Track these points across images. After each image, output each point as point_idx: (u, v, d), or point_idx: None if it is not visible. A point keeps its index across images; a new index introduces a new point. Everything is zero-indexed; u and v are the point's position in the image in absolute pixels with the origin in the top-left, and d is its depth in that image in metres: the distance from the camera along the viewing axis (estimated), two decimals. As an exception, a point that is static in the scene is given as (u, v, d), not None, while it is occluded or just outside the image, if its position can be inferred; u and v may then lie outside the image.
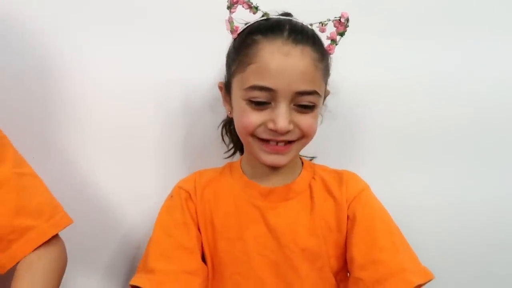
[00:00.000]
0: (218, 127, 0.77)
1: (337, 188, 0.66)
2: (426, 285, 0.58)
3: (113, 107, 0.78)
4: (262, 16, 0.62)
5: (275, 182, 0.66)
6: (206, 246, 0.65)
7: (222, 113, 0.75)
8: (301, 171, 0.68)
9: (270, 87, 0.57)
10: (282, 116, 0.57)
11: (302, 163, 0.70)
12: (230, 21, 0.63)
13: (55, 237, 0.62)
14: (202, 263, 0.65)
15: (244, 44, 0.60)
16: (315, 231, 0.64)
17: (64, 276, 0.62)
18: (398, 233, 0.63)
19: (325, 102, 0.68)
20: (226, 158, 0.77)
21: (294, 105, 0.58)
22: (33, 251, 0.58)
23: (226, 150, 0.78)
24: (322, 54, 0.60)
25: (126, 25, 0.77)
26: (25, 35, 0.74)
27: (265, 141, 0.60)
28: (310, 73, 0.57)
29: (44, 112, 0.76)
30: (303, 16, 0.63)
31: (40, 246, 0.59)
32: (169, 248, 0.62)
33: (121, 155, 0.78)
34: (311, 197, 0.66)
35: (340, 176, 0.67)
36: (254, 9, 0.62)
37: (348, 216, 0.64)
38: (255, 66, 0.57)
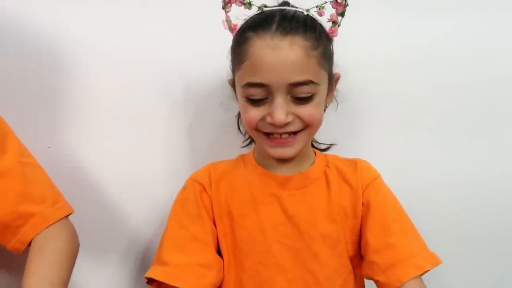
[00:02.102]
0: (236, 117, 0.78)
1: (352, 175, 0.67)
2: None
3: (118, 100, 0.79)
4: (258, 10, 0.61)
5: (290, 171, 0.66)
6: (223, 238, 0.66)
7: (228, 105, 0.77)
8: (314, 160, 0.69)
9: (263, 83, 0.57)
10: (278, 109, 0.57)
11: (315, 153, 0.70)
12: (227, 20, 0.63)
13: (63, 221, 0.64)
14: (217, 256, 0.66)
15: (238, 43, 0.61)
16: (333, 217, 0.65)
17: (77, 269, 0.64)
18: (408, 220, 0.66)
19: (336, 86, 0.67)
20: (243, 147, 0.78)
21: (291, 97, 0.58)
22: (42, 234, 0.61)
23: (234, 143, 0.79)
24: (316, 40, 0.58)
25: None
26: (35, 31, 0.76)
27: (269, 134, 0.61)
28: (301, 63, 0.56)
29: (50, 108, 0.78)
30: (304, 3, 0.61)
31: (48, 229, 0.61)
32: (183, 240, 0.63)
33: (129, 149, 0.80)
34: (327, 184, 0.66)
35: (354, 163, 0.68)
36: (248, 5, 0.62)
37: (362, 203, 0.65)
38: (248, 64, 0.58)
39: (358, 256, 0.67)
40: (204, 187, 0.67)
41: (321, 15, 0.61)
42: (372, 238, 0.63)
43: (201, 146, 0.82)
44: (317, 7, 0.60)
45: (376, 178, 0.68)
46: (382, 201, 0.66)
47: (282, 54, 0.56)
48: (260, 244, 0.64)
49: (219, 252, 0.67)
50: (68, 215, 0.66)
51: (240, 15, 0.63)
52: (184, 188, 0.70)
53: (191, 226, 0.65)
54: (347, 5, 0.60)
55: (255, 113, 0.59)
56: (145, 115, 0.80)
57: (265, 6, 0.62)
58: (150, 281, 0.62)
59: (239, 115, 0.77)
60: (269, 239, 0.64)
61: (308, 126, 0.60)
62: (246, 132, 0.78)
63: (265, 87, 0.57)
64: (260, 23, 0.58)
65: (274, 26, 0.57)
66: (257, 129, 0.61)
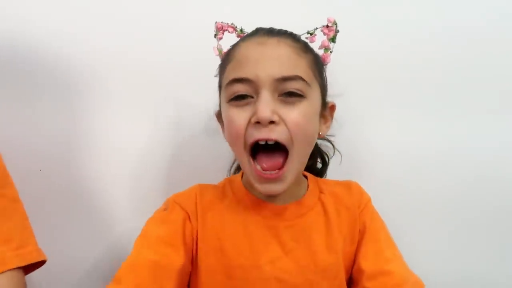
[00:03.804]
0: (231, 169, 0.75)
1: (349, 199, 0.64)
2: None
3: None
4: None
5: (284, 198, 0.60)
6: (211, 273, 0.58)
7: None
8: (307, 185, 0.64)
9: (248, 78, 0.53)
10: (262, 104, 0.51)
11: (306, 177, 0.66)
12: (219, 48, 0.63)
13: (18, 271, 0.54)
14: None
15: (225, 54, 0.60)
16: (333, 247, 0.60)
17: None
18: (394, 244, 0.64)
19: (332, 115, 0.64)
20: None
21: (279, 95, 0.53)
22: None
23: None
24: (305, 47, 0.57)
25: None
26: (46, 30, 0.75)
27: (258, 170, 0.55)
28: (290, 59, 0.53)
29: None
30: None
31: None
32: (144, 263, 0.54)
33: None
34: (325, 211, 0.62)
35: (348, 186, 0.66)
36: (240, 32, 0.62)
37: (359, 229, 0.63)
38: (233, 63, 0.55)
39: (349, 280, 0.63)
40: (189, 216, 0.60)
41: (312, 42, 0.61)
42: (366, 264, 0.60)
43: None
44: (308, 32, 0.61)
45: (369, 201, 0.67)
46: (375, 226, 0.64)
47: (268, 49, 0.54)
48: (257, 282, 0.57)
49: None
50: (36, 264, 0.56)
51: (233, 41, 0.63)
52: (165, 209, 0.61)
53: (159, 251, 0.56)
54: (338, 30, 0.61)
55: (240, 116, 0.54)
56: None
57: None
58: None
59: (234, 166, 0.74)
60: (267, 276, 0.57)
61: (294, 141, 0.54)
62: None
63: (249, 83, 0.53)
64: (248, 33, 0.59)
65: (261, 32, 0.57)
66: (244, 145, 0.55)
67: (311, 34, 0.61)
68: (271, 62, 0.53)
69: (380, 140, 0.83)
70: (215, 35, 0.63)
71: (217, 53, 0.63)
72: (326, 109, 0.62)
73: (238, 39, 0.61)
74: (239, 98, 0.54)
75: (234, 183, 0.65)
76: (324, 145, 0.74)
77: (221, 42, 0.63)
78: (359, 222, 0.63)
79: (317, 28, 0.61)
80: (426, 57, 0.83)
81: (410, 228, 0.80)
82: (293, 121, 0.53)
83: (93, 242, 0.78)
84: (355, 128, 0.81)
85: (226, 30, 0.63)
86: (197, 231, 0.59)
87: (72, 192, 0.76)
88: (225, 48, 0.62)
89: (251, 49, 0.54)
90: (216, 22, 0.63)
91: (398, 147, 0.83)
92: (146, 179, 0.79)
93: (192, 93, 0.79)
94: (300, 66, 0.54)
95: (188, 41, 0.78)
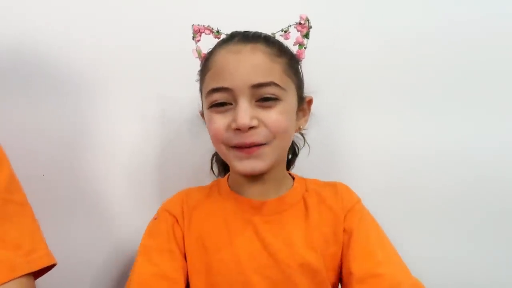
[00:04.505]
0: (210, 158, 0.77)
1: (333, 200, 0.64)
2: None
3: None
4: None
5: (265, 195, 0.64)
6: (196, 274, 0.62)
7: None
8: (292, 184, 0.67)
9: (225, 87, 0.56)
10: (241, 112, 0.55)
11: (293, 178, 0.68)
12: (198, 50, 0.65)
13: (28, 277, 0.54)
14: None
15: (204, 61, 0.62)
16: (312, 244, 0.61)
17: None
18: (390, 246, 0.62)
19: (310, 108, 0.67)
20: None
21: (256, 101, 0.57)
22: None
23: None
24: (279, 51, 0.59)
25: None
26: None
27: (237, 148, 0.59)
28: (264, 65, 0.56)
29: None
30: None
31: (9, 284, 0.51)
32: (152, 277, 0.60)
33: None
34: (306, 209, 0.63)
35: (334, 187, 0.66)
36: (216, 33, 0.64)
37: (344, 229, 0.62)
38: (211, 72, 0.58)
39: (337, 284, 0.63)
40: (176, 219, 0.65)
41: (287, 39, 0.63)
42: (356, 267, 0.59)
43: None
44: (282, 30, 0.63)
45: (357, 202, 0.66)
46: (364, 227, 0.62)
47: (243, 57, 0.56)
48: (237, 276, 0.60)
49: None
50: (47, 267, 0.57)
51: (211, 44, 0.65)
52: (155, 218, 0.66)
53: (161, 263, 0.61)
54: (311, 26, 0.62)
55: (220, 121, 0.58)
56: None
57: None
58: None
59: (213, 155, 0.76)
60: (247, 271, 0.60)
61: (275, 137, 0.58)
62: (218, 174, 0.77)
63: (227, 92, 0.57)
64: (224, 39, 0.61)
65: (236, 38, 0.59)
66: (224, 143, 0.59)
67: (285, 32, 0.63)
68: (246, 70, 0.56)
69: (378, 141, 0.85)
70: (193, 38, 0.65)
71: (197, 55, 0.65)
72: (304, 104, 0.64)
73: (216, 40, 0.64)
74: (219, 105, 0.58)
75: (220, 183, 0.69)
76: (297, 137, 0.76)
77: (200, 43, 0.65)
78: (345, 224, 0.62)
79: (290, 26, 0.63)
80: (426, 57, 0.85)
81: (407, 230, 0.80)
82: (272, 121, 0.57)
83: (97, 243, 0.80)
84: (351, 127, 0.84)
85: (203, 32, 0.64)
86: (183, 232, 0.64)
87: (74, 194, 0.79)
88: (204, 50, 0.64)
89: (227, 58, 0.57)
90: (193, 25, 0.64)
91: (398, 147, 0.85)
92: (146, 178, 0.82)
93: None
94: (274, 72, 0.57)
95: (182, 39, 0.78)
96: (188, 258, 0.63)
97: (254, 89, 0.56)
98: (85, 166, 0.79)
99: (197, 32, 0.64)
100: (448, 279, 0.84)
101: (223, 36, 0.63)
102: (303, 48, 0.64)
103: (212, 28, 0.64)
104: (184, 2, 0.81)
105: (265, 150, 0.58)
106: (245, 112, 0.55)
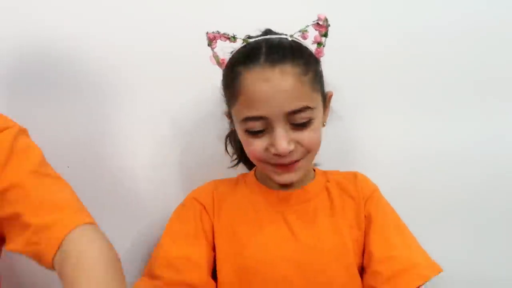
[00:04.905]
0: (225, 138, 0.78)
1: (353, 189, 0.69)
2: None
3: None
4: (242, 42, 0.62)
5: (291, 187, 0.68)
6: (225, 260, 0.66)
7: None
8: (314, 176, 0.71)
9: (261, 116, 0.58)
10: (280, 139, 0.58)
11: (314, 170, 0.72)
12: (215, 56, 0.64)
13: (94, 228, 0.55)
14: (210, 279, 0.65)
15: (230, 77, 0.62)
16: (338, 229, 0.66)
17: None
18: (407, 230, 0.67)
19: (330, 105, 0.68)
20: (229, 167, 0.78)
21: (290, 123, 0.59)
22: (71, 238, 0.50)
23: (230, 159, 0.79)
24: (305, 65, 0.59)
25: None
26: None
27: (276, 165, 0.62)
28: (295, 91, 0.57)
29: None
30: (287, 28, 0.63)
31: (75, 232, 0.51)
32: (177, 258, 0.63)
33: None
34: (329, 197, 0.68)
35: (354, 176, 0.70)
36: (233, 39, 0.63)
37: (365, 215, 0.67)
38: (243, 98, 0.59)
39: (361, 267, 0.68)
40: (205, 208, 0.68)
41: (305, 39, 0.62)
42: (376, 249, 0.64)
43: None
44: (300, 31, 0.61)
45: (375, 190, 0.70)
46: (382, 214, 0.67)
47: (275, 85, 0.57)
48: (267, 262, 0.64)
49: (213, 274, 0.67)
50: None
51: (226, 47, 0.64)
52: (183, 205, 0.70)
53: (186, 246, 0.65)
54: (329, 25, 0.61)
55: (258, 144, 0.61)
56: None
57: (250, 37, 0.63)
58: None
59: (227, 136, 0.78)
60: (276, 257, 0.64)
61: (310, 151, 0.62)
62: (233, 154, 0.79)
63: (263, 119, 0.59)
64: (248, 56, 0.60)
65: (262, 58, 0.58)
66: (262, 161, 0.63)
67: (303, 32, 0.62)
68: (279, 98, 0.57)
69: (386, 140, 0.86)
70: (209, 45, 0.63)
71: (215, 62, 0.64)
72: (325, 102, 0.66)
73: (232, 45, 0.63)
74: (256, 133, 0.60)
75: (247, 177, 0.73)
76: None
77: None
78: (365, 210, 0.67)
79: (308, 26, 0.61)
80: (434, 56, 0.85)
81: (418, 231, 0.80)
82: (307, 140, 0.60)
83: (122, 234, 0.82)
84: (361, 127, 0.85)
85: (219, 39, 0.63)
86: (213, 221, 0.68)
87: (99, 187, 0.81)
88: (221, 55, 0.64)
89: (258, 86, 0.57)
90: (207, 33, 0.63)
91: (406, 147, 0.87)
92: (167, 172, 0.84)
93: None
94: (304, 94, 0.58)
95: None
96: (217, 245, 0.67)
97: (288, 115, 0.58)
98: (109, 163, 0.82)
99: (212, 40, 0.63)
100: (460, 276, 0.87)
101: (239, 41, 0.62)
102: (322, 46, 0.63)
103: (228, 35, 0.62)
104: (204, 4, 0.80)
105: (301, 164, 0.62)
106: (284, 139, 0.58)
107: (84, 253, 0.49)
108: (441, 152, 0.88)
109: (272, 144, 0.59)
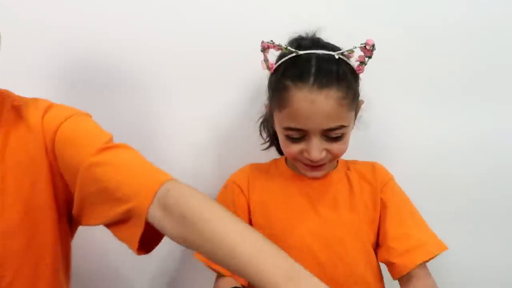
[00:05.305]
0: (257, 122, 0.87)
1: (372, 176, 0.79)
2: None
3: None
4: (293, 53, 0.68)
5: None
6: (258, 228, 0.70)
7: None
8: (337, 165, 0.81)
9: (301, 128, 0.68)
10: (314, 149, 0.68)
11: (337, 160, 0.82)
12: (265, 60, 0.70)
13: (178, 180, 0.58)
14: None
15: (277, 86, 0.69)
16: (355, 209, 0.76)
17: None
18: (418, 214, 0.77)
19: (359, 114, 0.76)
20: (262, 150, 0.87)
21: (325, 136, 0.69)
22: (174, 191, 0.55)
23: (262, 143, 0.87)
24: (347, 88, 0.67)
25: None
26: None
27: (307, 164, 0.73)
28: (335, 113, 0.66)
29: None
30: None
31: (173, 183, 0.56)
32: None
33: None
34: (349, 183, 0.79)
35: (372, 166, 0.81)
36: (285, 49, 0.68)
37: (381, 199, 0.77)
38: (288, 111, 0.68)
39: (375, 244, 0.81)
40: (241, 189, 0.80)
41: (350, 58, 0.69)
42: (391, 228, 0.74)
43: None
44: (347, 51, 0.67)
45: (391, 179, 0.80)
46: (397, 199, 0.77)
47: (318, 106, 0.65)
48: (293, 232, 0.76)
49: None
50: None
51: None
52: (225, 187, 0.83)
53: None
54: (375, 49, 0.67)
55: (294, 148, 0.71)
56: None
57: (299, 46, 0.69)
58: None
59: (262, 122, 0.86)
60: (301, 229, 0.76)
61: (336, 157, 0.73)
62: (267, 137, 0.87)
63: (302, 131, 0.68)
64: (298, 74, 0.66)
65: (311, 80, 0.65)
66: (295, 159, 0.73)
67: (349, 52, 0.68)
68: (319, 119, 0.66)
69: (409, 131, 0.92)
70: (262, 51, 0.69)
71: (265, 67, 0.71)
72: (356, 110, 0.74)
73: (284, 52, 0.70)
74: (294, 139, 0.70)
75: (278, 162, 0.84)
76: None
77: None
78: (382, 195, 0.77)
79: (356, 47, 0.67)
80: (457, 48, 0.88)
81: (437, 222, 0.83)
82: (337, 151, 0.70)
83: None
84: (383, 119, 0.91)
85: (272, 48, 0.69)
86: (248, 199, 0.80)
87: None
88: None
89: (303, 107, 0.65)
90: (262, 42, 0.68)
91: (428, 137, 0.93)
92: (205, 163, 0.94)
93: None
94: (342, 115, 0.67)
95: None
96: (253, 218, 0.80)
97: (324, 130, 0.67)
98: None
99: (266, 48, 0.68)
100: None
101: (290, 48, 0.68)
102: (364, 65, 0.69)
103: (281, 46, 0.68)
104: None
105: (328, 164, 0.74)
106: (317, 149, 0.68)
107: (185, 189, 0.54)
108: (458, 144, 0.94)
109: (307, 150, 0.69)
